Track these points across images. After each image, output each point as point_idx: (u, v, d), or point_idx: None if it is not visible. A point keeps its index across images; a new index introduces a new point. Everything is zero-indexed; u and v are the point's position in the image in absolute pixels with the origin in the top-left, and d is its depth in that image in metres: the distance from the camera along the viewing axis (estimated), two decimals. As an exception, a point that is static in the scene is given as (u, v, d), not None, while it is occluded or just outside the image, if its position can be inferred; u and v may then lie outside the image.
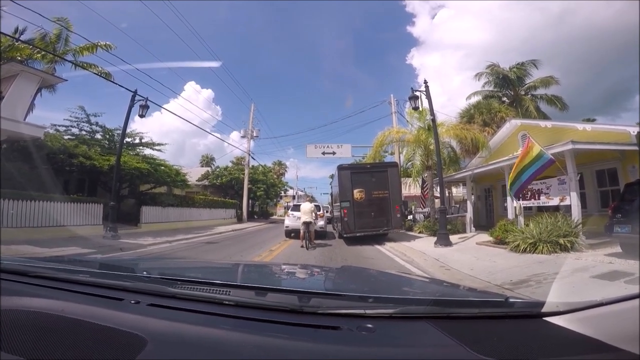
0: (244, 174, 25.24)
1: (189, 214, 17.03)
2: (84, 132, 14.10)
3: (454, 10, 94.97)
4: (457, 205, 14.59)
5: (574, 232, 6.96)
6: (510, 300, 1.00)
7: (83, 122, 14.01)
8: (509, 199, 10.00)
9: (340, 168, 10.67)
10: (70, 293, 1.09)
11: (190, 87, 53.51)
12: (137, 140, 15.35)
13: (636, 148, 7.93)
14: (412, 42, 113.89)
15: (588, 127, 10.35)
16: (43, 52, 13.91)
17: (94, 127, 14.32)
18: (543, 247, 6.70)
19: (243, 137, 26.06)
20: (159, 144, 15.39)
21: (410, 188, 18.80)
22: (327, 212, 24.29)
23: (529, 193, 9.28)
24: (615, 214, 6.07)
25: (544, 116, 21.47)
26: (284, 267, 2.89)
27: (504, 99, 24.63)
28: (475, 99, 23.98)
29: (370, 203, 10.19)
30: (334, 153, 22.23)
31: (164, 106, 31.83)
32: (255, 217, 30.85)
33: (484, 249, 8.24)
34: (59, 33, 15.29)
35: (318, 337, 0.84)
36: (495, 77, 24.46)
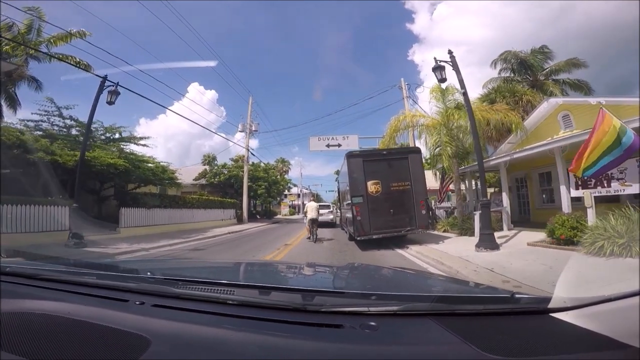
0: (243, 172, 23.42)
1: (181, 215, 15.27)
2: (55, 127, 12.42)
3: (453, 7, 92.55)
4: (499, 198, 12.54)
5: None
6: (516, 296, 0.96)
7: (54, 115, 12.32)
8: (562, 188, 8.02)
9: (350, 155, 8.72)
10: (76, 295, 1.10)
11: (194, 89, 52.06)
12: (117, 135, 13.60)
13: None
14: (412, 38, 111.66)
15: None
16: (12, 44, 12.32)
17: (67, 121, 12.63)
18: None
19: (241, 131, 24.24)
20: (141, 138, 13.60)
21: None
22: (330, 211, 22.48)
23: (593, 179, 7.28)
24: None
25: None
26: (287, 265, 2.91)
27: (523, 84, 22.61)
28: (492, 86, 22.07)
29: (388, 197, 8.27)
30: (339, 145, 20.24)
31: (169, 108, 30.25)
32: (258, 217, 29.00)
33: (545, 252, 6.29)
34: (30, 23, 13.60)
35: (321, 335, 0.83)
36: (513, 63, 22.39)
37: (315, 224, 10.10)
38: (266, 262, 4.50)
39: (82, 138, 12.83)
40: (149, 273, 1.35)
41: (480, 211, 10.04)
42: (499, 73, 22.94)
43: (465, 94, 8.44)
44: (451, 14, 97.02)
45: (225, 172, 24.67)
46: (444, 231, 10.86)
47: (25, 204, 8.63)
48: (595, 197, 7.59)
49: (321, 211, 17.88)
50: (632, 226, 5.15)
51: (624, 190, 6.73)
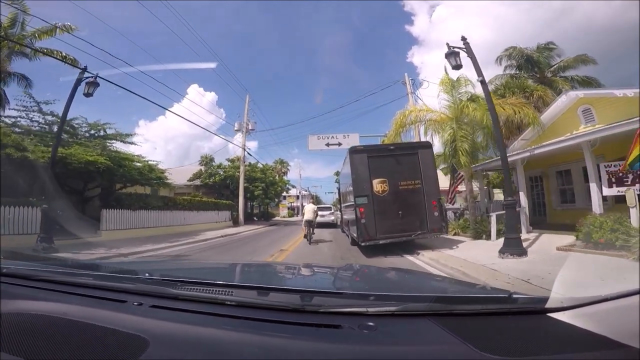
0: (239, 172, 22.50)
1: (172, 218, 14.33)
2: (35, 123, 11.53)
3: (452, 8, 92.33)
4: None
5: None
6: (514, 296, 0.95)
7: (33, 111, 11.42)
8: (592, 186, 7.13)
9: (354, 151, 7.81)
10: (73, 296, 1.09)
11: (194, 90, 51.17)
12: (102, 133, 12.68)
13: None
14: (411, 40, 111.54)
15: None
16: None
17: (47, 117, 11.73)
18: None
19: (237, 130, 23.34)
20: (128, 135, 12.68)
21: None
22: (331, 212, 21.57)
23: (630, 175, 6.40)
24: None
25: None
26: (285, 266, 2.89)
27: (530, 81, 21.83)
28: (498, 83, 21.27)
29: (396, 198, 7.36)
30: (339, 144, 19.35)
31: (168, 109, 29.40)
32: (255, 218, 28.08)
33: (583, 258, 5.38)
34: (14, 17, 12.74)
35: (320, 336, 0.83)
36: (518, 60, 21.60)
37: (312, 225, 10.08)
38: (264, 263, 4.39)
39: (66, 135, 12.07)
40: (147, 274, 1.29)
41: (496, 212, 9.24)
42: (504, 70, 22.20)
43: (483, 82, 7.57)
44: (450, 15, 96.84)
45: (221, 173, 23.68)
46: (455, 234, 9.96)
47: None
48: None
49: (322, 213, 18.59)
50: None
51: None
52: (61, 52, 12.76)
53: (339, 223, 16.78)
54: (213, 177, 23.20)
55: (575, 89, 20.21)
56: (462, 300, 1.08)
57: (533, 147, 9.02)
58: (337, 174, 37.26)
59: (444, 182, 14.74)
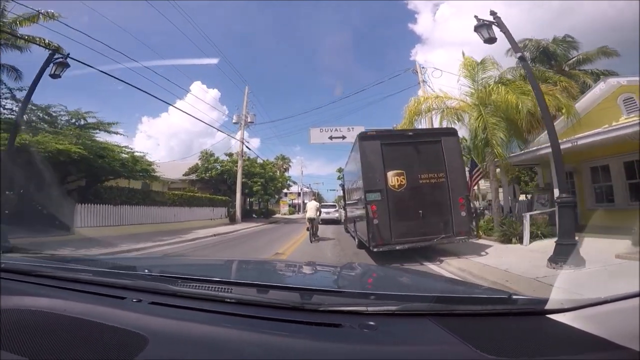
0: (237, 166, 21.29)
1: (161, 214, 13.18)
2: (6, 111, 10.39)
3: (455, 7, 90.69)
4: (545, 197, 10.31)
5: None
6: (514, 297, 0.95)
7: (4, 98, 10.29)
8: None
9: (364, 137, 6.53)
10: (72, 292, 1.08)
11: (196, 87, 50.22)
12: (82, 122, 11.49)
13: None
14: (415, 39, 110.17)
15: None
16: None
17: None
18: None
19: (235, 123, 22.13)
20: (111, 124, 11.44)
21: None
22: (336, 210, 20.50)
23: None
24: None
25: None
26: (286, 264, 2.85)
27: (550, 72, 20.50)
28: (511, 75, 19.95)
29: (415, 194, 6.15)
30: (343, 137, 18.10)
31: (171, 104, 28.39)
32: (254, 216, 26.81)
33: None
34: None
35: (320, 334, 0.82)
36: (533, 52, 20.29)
37: (315, 223, 9.88)
38: (265, 261, 4.27)
39: (44, 125, 10.94)
40: (146, 270, 1.28)
41: (530, 212, 8.04)
42: (517, 64, 20.89)
43: (522, 58, 6.35)
44: (454, 14, 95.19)
45: (218, 167, 22.46)
46: (477, 237, 8.78)
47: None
48: None
49: (327, 210, 19.36)
50: None
51: None
52: (44, 39, 11.69)
53: (343, 220, 16.24)
54: (209, 172, 21.98)
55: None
56: (462, 300, 1.07)
57: (576, 136, 7.74)
58: (340, 170, 36.02)
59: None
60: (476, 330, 0.81)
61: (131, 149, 12.38)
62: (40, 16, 11.01)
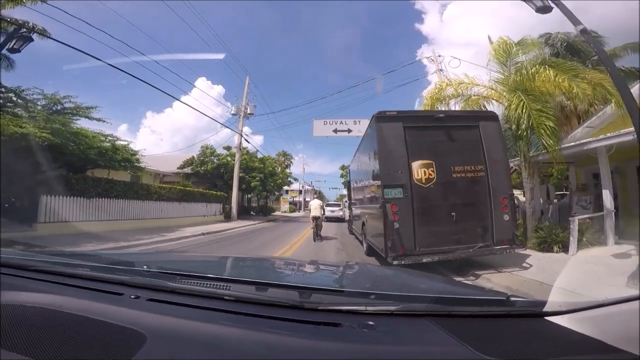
0: (235, 160, 19.98)
1: (146, 209, 11.91)
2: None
3: (463, 8, 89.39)
4: (587, 198, 8.94)
5: None
6: (512, 299, 0.95)
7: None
8: None
9: (382, 118, 5.10)
10: (69, 288, 1.05)
11: (202, 83, 48.86)
12: (59, 107, 10.15)
13: None
14: (421, 39, 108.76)
15: None
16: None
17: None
18: None
19: (234, 114, 20.82)
20: (90, 108, 10.04)
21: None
22: (340, 208, 19.35)
23: None
24: None
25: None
26: (285, 262, 2.82)
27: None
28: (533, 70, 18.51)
29: (448, 191, 4.84)
30: (349, 131, 16.80)
31: (177, 98, 27.29)
32: (252, 213, 25.52)
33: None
34: None
35: (318, 333, 0.81)
36: (555, 47, 18.81)
37: (319, 222, 9.81)
38: (264, 258, 3.94)
39: (19, 110, 9.62)
40: (144, 266, 1.26)
41: (579, 216, 6.72)
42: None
43: (585, 32, 4.99)
44: (461, 14, 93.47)
45: (215, 160, 21.13)
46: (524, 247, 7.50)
47: None
48: None
49: (331, 209, 20.13)
50: None
51: None
52: (28, 22, 10.40)
53: (346, 218, 15.52)
54: (205, 165, 20.67)
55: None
56: (461, 301, 1.04)
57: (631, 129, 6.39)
58: (343, 167, 34.58)
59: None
60: (475, 332, 0.81)
61: (115, 137, 11.13)
62: None
